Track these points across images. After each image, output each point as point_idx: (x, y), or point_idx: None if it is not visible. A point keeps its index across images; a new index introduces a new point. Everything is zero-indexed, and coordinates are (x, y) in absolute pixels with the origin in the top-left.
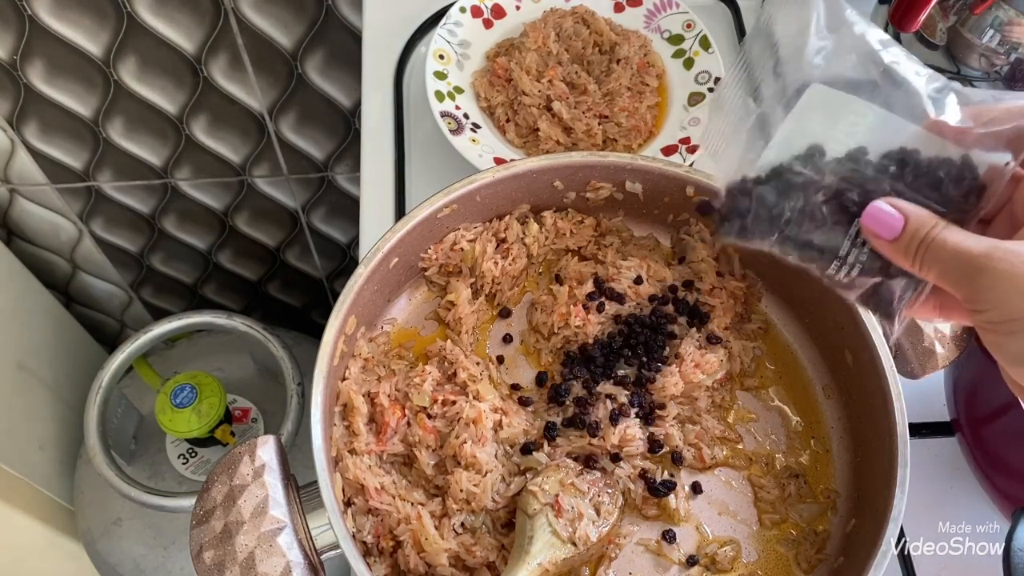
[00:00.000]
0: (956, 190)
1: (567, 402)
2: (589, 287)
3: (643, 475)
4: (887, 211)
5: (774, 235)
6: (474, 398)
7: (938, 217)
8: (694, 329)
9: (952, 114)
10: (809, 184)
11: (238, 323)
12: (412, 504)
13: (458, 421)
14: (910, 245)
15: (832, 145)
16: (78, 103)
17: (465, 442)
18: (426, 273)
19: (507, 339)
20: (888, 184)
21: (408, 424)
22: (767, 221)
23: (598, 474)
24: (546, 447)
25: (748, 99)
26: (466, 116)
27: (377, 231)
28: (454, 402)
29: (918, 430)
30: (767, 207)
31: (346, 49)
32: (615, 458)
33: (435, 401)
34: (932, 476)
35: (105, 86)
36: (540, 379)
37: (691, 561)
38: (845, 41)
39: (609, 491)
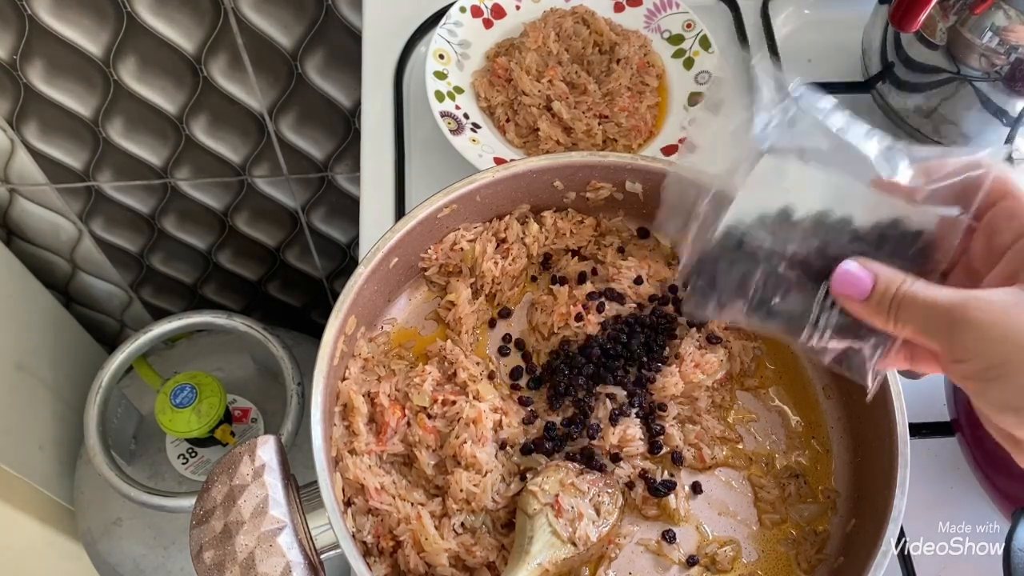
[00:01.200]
0: (913, 246)
1: (566, 404)
2: (589, 287)
3: (643, 475)
4: (856, 272)
5: (743, 308)
6: (474, 398)
7: (905, 274)
8: (694, 329)
9: (903, 173)
10: (772, 254)
11: (238, 323)
12: (412, 504)
13: (458, 421)
14: (882, 303)
15: (790, 214)
16: (78, 103)
17: (465, 442)
18: (426, 273)
19: (507, 339)
20: (849, 246)
21: (408, 424)
22: (733, 295)
23: (598, 474)
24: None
25: (703, 175)
26: (466, 116)
27: (377, 231)
28: (454, 402)
29: (918, 430)
30: (732, 281)
31: (346, 49)
32: (615, 458)
33: (435, 401)
34: (932, 476)
35: (105, 86)
36: (540, 379)
37: (691, 561)
38: (791, 112)
39: (609, 491)
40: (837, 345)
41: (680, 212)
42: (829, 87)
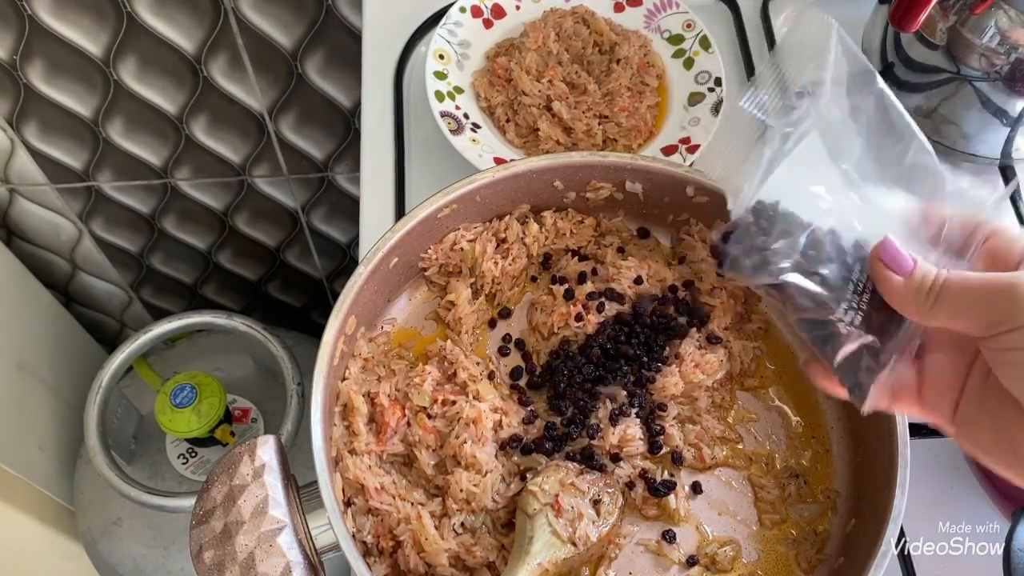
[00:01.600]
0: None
1: (566, 404)
2: (589, 287)
3: (643, 475)
4: (899, 247)
5: (776, 273)
6: (474, 398)
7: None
8: (694, 329)
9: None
10: (809, 225)
11: (238, 323)
12: (412, 504)
13: (458, 421)
14: (921, 286)
15: (822, 196)
16: (78, 103)
17: (465, 442)
18: (426, 273)
19: (507, 339)
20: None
21: (408, 424)
22: (768, 258)
23: (598, 474)
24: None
25: (758, 132)
26: (466, 116)
27: (377, 231)
28: (454, 402)
29: (918, 430)
30: (770, 243)
31: (346, 49)
32: (615, 458)
33: (435, 401)
34: (932, 476)
35: (105, 86)
36: (540, 379)
37: (691, 561)
38: (869, 100)
39: (609, 491)
40: (850, 347)
41: (734, 152)
42: None
